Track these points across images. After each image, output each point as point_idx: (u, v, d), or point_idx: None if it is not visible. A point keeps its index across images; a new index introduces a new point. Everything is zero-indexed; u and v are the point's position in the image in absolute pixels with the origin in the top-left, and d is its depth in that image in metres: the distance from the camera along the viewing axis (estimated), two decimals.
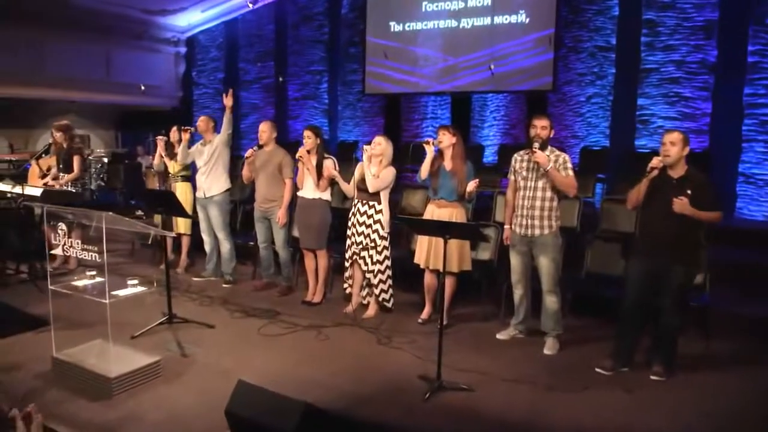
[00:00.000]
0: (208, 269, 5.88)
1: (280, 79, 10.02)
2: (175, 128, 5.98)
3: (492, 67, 7.47)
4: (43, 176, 6.26)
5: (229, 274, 5.71)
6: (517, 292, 4.25)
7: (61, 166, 6.08)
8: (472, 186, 4.19)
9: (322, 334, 4.37)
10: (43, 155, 6.28)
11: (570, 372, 3.78)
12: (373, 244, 4.65)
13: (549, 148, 4.04)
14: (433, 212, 4.43)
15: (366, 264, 4.70)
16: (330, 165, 4.91)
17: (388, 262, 4.72)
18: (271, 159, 5.22)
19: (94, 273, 3.56)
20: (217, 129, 5.64)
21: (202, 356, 3.93)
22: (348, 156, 8.15)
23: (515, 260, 4.18)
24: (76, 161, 6.03)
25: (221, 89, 10.88)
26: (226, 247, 5.68)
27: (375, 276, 4.70)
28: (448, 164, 4.42)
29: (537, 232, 4.02)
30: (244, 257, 6.03)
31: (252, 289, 5.53)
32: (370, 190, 4.59)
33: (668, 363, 3.67)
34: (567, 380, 3.64)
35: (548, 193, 4.00)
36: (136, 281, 3.51)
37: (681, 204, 3.41)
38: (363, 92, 9.02)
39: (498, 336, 4.34)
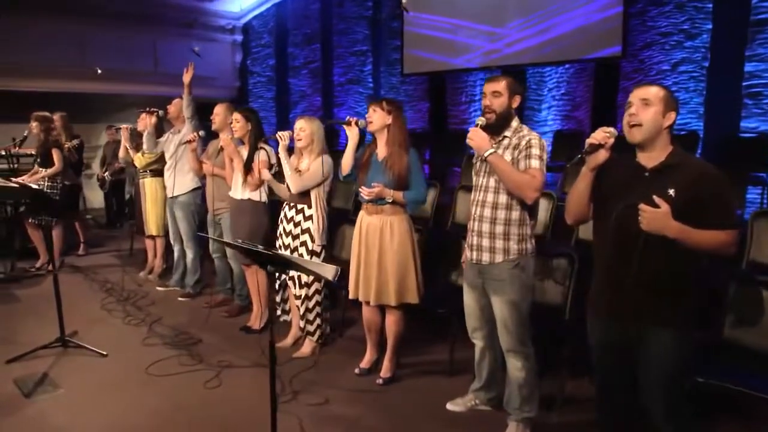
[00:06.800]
0: (173, 279, 5.15)
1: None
2: (143, 114, 5.18)
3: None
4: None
5: (190, 286, 4.93)
6: (477, 343, 2.85)
7: (38, 160, 5.64)
8: (366, 193, 3.01)
9: (217, 379, 3.32)
10: (17, 146, 5.87)
11: None
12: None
13: (514, 126, 2.58)
14: (362, 220, 3.17)
15: (294, 285, 3.57)
16: (263, 158, 3.81)
17: (318, 285, 3.55)
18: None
19: None
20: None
21: (48, 400, 3.10)
22: None
23: (468, 297, 2.77)
24: (56, 155, 5.55)
25: (273, 77, 10.24)
26: (189, 256, 4.90)
27: (302, 302, 3.55)
28: (380, 152, 3.13)
29: (485, 258, 2.59)
30: None
31: (205, 306, 4.65)
32: (293, 190, 3.46)
33: None
34: None
35: (502, 198, 2.54)
36: None
37: (654, 215, 1.83)
38: (402, 72, 7.75)
39: (449, 406, 2.98)
